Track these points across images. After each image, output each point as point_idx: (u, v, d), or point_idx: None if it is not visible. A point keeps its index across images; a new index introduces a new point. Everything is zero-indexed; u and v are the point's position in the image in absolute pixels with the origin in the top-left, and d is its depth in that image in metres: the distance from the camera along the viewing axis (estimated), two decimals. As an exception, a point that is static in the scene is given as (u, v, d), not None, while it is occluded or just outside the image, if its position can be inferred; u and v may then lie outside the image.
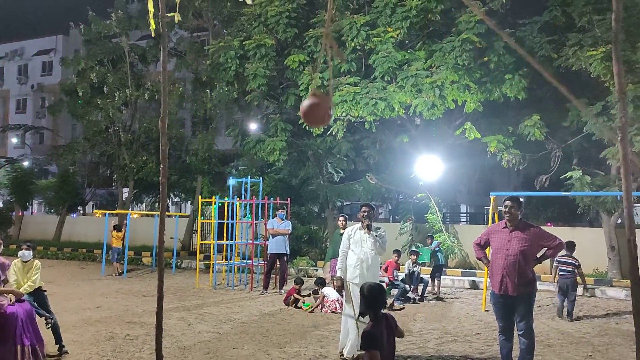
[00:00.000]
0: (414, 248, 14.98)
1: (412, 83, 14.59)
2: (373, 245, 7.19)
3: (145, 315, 9.86)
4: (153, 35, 3.80)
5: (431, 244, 14.10)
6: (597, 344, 8.21)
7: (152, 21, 3.79)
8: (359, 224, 7.35)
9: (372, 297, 4.04)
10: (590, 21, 14.17)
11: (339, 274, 7.30)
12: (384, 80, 15.25)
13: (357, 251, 7.21)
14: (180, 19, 3.95)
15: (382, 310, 4.06)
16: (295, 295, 11.36)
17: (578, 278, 10.66)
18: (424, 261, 14.58)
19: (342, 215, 11.34)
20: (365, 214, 7.29)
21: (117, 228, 17.12)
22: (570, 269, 10.58)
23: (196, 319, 9.75)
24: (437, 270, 13.33)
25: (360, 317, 4.20)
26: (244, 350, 7.52)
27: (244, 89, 18.23)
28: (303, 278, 13.63)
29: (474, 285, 14.96)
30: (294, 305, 11.20)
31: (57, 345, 7.03)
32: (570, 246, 10.72)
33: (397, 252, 13.11)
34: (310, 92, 3.43)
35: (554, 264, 11.06)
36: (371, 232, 7.22)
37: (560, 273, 10.65)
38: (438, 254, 13.59)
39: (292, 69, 16.40)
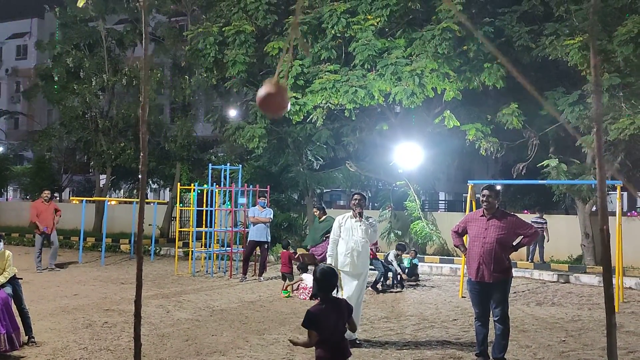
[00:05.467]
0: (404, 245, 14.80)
1: (392, 71, 14.59)
2: (364, 233, 7.21)
3: (124, 303, 9.81)
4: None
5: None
6: (571, 329, 8.38)
7: None
8: (350, 212, 7.37)
9: (324, 280, 4.15)
10: (567, 10, 14.25)
11: (329, 261, 7.31)
12: (364, 68, 15.22)
13: (347, 239, 7.22)
14: None
15: (336, 295, 4.20)
16: (294, 257, 11.86)
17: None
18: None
19: (315, 208, 12.42)
20: (357, 202, 7.30)
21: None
22: (541, 227, 15.20)
23: (175, 306, 9.72)
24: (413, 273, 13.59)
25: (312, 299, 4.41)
26: (223, 337, 7.54)
27: (224, 76, 18.05)
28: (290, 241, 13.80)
29: (452, 272, 15.15)
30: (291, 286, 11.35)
31: (27, 337, 6.89)
32: (540, 210, 16.48)
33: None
34: (267, 81, 3.33)
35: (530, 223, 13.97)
36: (362, 220, 7.25)
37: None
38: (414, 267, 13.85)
39: (272, 56, 16.28)
